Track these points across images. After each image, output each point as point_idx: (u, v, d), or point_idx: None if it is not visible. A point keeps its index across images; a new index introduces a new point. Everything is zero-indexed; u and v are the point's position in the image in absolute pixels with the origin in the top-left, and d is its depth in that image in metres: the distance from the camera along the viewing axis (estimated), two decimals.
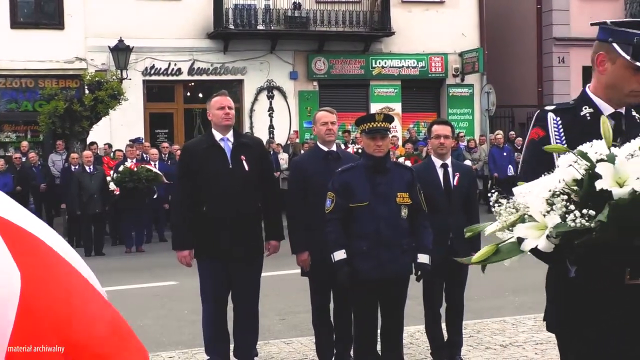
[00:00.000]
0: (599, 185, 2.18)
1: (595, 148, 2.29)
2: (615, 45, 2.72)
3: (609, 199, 2.15)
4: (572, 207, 2.18)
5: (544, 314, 2.86)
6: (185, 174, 5.67)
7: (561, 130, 2.80)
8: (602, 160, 2.23)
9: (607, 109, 2.80)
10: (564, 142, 2.73)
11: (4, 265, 1.62)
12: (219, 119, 5.62)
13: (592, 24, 2.85)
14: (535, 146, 2.83)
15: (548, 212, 2.23)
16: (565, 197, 2.23)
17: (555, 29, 22.82)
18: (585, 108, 2.83)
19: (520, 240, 2.28)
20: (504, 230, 2.35)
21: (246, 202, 5.57)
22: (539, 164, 2.68)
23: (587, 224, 2.14)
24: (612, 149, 2.27)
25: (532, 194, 2.30)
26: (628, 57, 2.67)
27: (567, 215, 2.18)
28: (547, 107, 2.92)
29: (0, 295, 1.59)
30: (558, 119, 2.83)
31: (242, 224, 5.52)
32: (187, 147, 6.06)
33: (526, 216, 2.30)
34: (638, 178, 2.14)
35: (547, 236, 2.21)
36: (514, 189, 2.41)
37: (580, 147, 2.32)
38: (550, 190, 2.25)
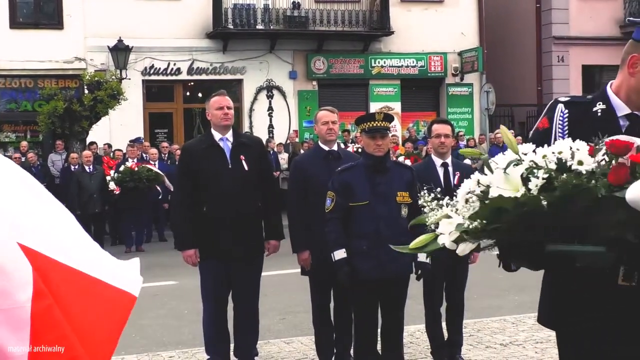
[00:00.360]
0: (490, 192, 2.21)
1: (508, 155, 2.30)
2: None
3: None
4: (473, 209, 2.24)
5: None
6: (185, 174, 5.67)
7: (566, 124, 2.74)
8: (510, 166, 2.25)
9: (622, 108, 2.72)
10: (566, 136, 2.69)
11: (19, 258, 1.93)
12: (218, 119, 5.61)
13: (629, 21, 2.75)
14: (538, 136, 2.79)
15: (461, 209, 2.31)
16: (475, 198, 2.27)
17: (554, 27, 22.82)
18: (599, 104, 2.75)
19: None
20: (434, 224, 2.44)
21: (246, 202, 5.56)
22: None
23: (476, 226, 2.21)
24: (530, 153, 2.27)
25: (458, 193, 2.38)
26: None
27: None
28: (561, 98, 2.85)
29: (19, 278, 1.90)
30: (566, 112, 2.76)
31: (242, 224, 5.52)
32: (186, 147, 6.05)
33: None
34: (528, 188, 2.15)
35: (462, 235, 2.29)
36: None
37: (503, 154, 2.32)
38: (467, 192, 2.31)
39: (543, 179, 2.14)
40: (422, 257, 5.13)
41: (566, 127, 2.74)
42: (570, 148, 2.22)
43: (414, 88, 22.19)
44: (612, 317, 2.53)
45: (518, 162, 2.24)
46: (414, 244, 2.48)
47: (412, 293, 5.48)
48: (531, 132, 2.94)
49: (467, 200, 2.31)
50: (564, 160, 2.19)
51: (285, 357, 6.25)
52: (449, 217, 2.36)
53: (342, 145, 12.43)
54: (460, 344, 5.90)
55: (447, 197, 2.45)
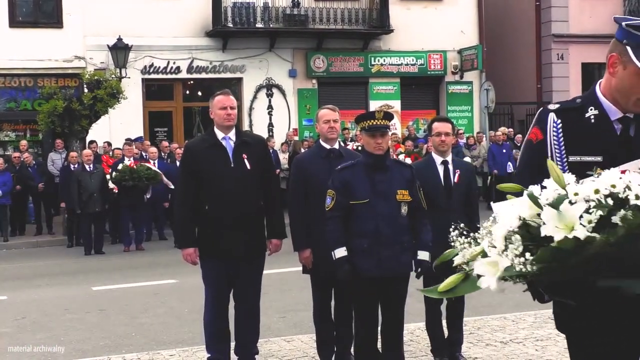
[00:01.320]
0: (543, 231, 2.10)
1: (550, 188, 2.17)
2: (629, 48, 2.52)
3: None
4: (520, 249, 2.11)
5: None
6: (188, 173, 5.66)
7: (560, 135, 2.65)
8: (555, 203, 2.13)
9: (614, 112, 2.62)
10: (563, 148, 2.64)
11: None
12: (221, 119, 5.60)
13: (615, 19, 2.68)
14: (532, 148, 2.74)
15: (504, 250, 2.16)
16: (519, 236, 2.14)
17: (554, 25, 22.81)
18: (591, 109, 2.65)
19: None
20: (466, 263, 2.30)
21: (248, 201, 5.56)
22: (535, 166, 2.61)
23: (530, 269, 2.09)
24: (578, 185, 2.15)
25: (495, 229, 2.23)
26: (639, 64, 2.48)
27: (516, 258, 2.12)
28: (551, 106, 2.75)
29: None
30: (559, 121, 2.67)
31: (244, 223, 5.50)
32: (189, 146, 6.03)
33: (487, 250, 2.25)
34: (581, 224, 2.04)
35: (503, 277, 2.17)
36: (493, 205, 2.32)
37: (536, 187, 2.21)
38: (508, 229, 2.18)
39: (601, 215, 2.04)
40: (421, 255, 5.14)
41: (561, 138, 2.66)
42: (621, 179, 2.10)
43: (414, 86, 22.19)
44: (617, 322, 2.50)
45: (563, 197, 2.11)
46: (443, 286, 2.34)
47: (412, 291, 5.45)
48: (524, 141, 2.85)
49: (506, 238, 2.16)
50: (618, 194, 2.07)
51: (285, 355, 6.25)
52: (484, 253, 2.22)
53: (342, 144, 12.47)
54: (460, 342, 5.90)
55: (478, 232, 2.28)
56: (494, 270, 2.18)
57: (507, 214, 2.22)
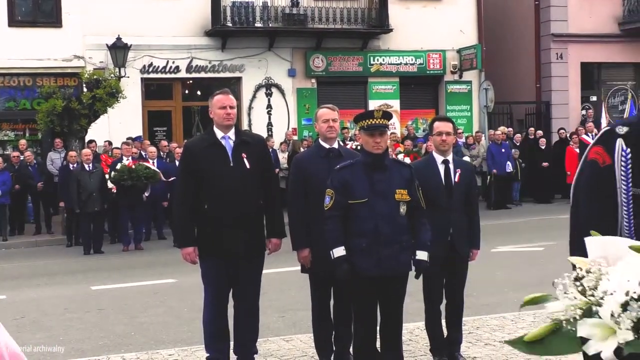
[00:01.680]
0: None
1: None
2: None
3: None
4: None
5: None
6: (187, 172, 5.66)
7: (629, 166, 2.50)
8: None
9: None
10: (630, 180, 2.51)
11: None
12: (221, 118, 5.61)
13: None
14: (598, 171, 2.56)
15: (620, 315, 1.92)
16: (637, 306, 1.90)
17: (553, 25, 22.81)
18: None
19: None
20: (567, 316, 2.02)
21: (248, 201, 5.56)
22: (599, 189, 2.50)
23: None
24: None
25: (610, 288, 1.96)
26: None
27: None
28: (619, 130, 2.54)
29: None
30: (628, 150, 2.50)
31: (243, 222, 5.51)
32: (188, 145, 6.03)
33: (593, 307, 1.99)
34: None
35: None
36: (587, 240, 2.13)
37: None
38: (627, 294, 1.92)
39: None
40: (420, 255, 5.14)
41: (629, 170, 2.51)
42: None
43: (413, 86, 22.18)
44: None
45: None
46: (531, 337, 2.09)
47: (411, 290, 5.48)
48: (586, 159, 2.65)
49: (623, 306, 1.93)
50: None
51: (284, 354, 6.25)
52: (588, 311, 1.98)
53: (341, 143, 12.45)
54: (459, 342, 5.90)
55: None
56: (605, 336, 1.94)
57: (621, 273, 1.98)
